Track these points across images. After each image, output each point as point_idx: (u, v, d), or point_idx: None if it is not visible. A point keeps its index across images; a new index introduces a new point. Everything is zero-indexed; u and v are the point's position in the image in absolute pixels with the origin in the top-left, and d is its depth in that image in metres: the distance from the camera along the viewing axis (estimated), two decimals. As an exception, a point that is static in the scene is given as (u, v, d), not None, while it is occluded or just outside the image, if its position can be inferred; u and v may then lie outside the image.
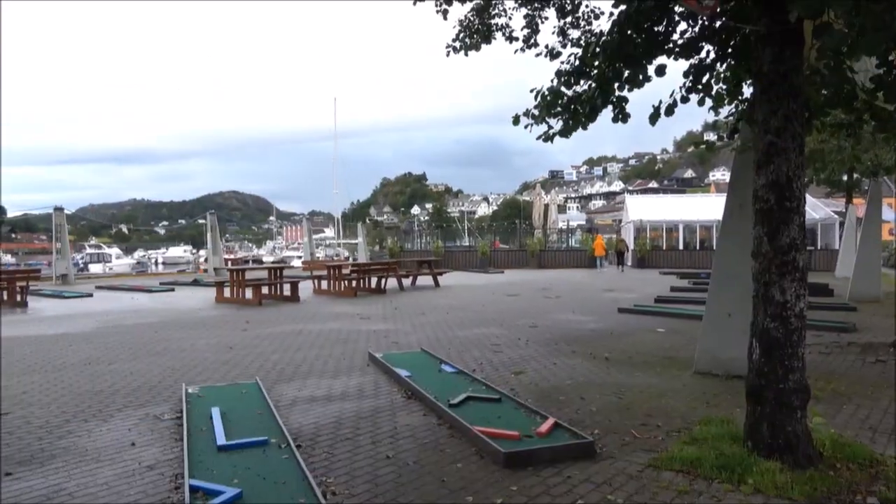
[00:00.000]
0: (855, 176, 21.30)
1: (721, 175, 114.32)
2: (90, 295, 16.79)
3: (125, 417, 5.07)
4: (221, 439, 4.30)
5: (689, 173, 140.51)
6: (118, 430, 4.72)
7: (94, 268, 47.20)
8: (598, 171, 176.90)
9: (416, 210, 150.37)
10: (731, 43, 4.92)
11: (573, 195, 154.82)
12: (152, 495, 3.52)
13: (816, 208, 29.31)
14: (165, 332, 9.73)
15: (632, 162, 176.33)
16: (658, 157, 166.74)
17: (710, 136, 7.83)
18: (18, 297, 14.29)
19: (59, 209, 22.34)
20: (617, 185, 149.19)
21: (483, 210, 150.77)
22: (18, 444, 4.44)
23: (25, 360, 7.51)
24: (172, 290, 18.29)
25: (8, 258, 64.67)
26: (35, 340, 9.04)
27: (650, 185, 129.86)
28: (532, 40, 7.28)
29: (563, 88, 5.41)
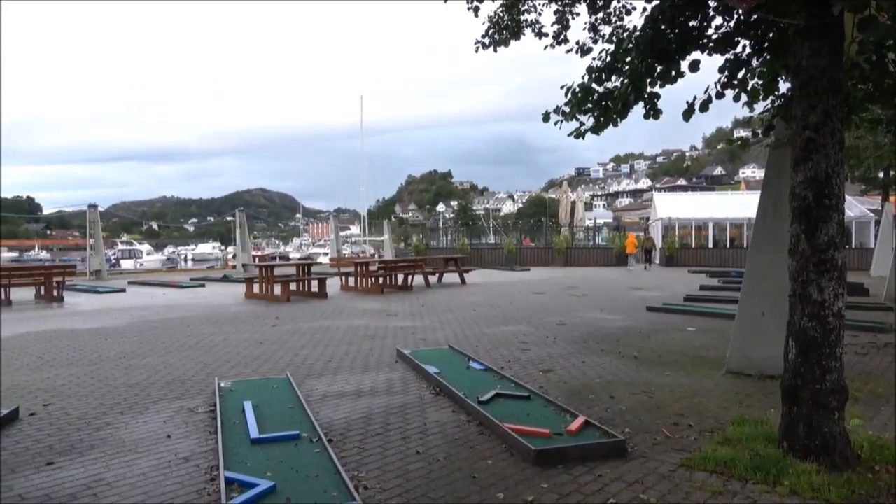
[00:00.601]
0: (892, 173, 20.77)
1: (751, 172, 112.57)
2: (123, 290, 17.14)
3: (160, 410, 5.17)
4: (254, 432, 4.36)
5: (718, 170, 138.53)
6: (154, 423, 4.82)
7: (126, 264, 48.36)
8: (625, 168, 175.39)
9: (441, 207, 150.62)
10: (768, 37, 4.84)
11: (600, 193, 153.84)
12: (188, 486, 3.59)
13: (851, 206, 28.61)
14: (197, 327, 9.90)
15: (659, 159, 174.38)
16: (686, 154, 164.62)
17: (741, 133, 7.71)
18: (55, 292, 14.65)
19: (93, 206, 22.75)
20: (644, 183, 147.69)
21: (508, 208, 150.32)
22: (59, 434, 4.56)
23: (63, 354, 7.70)
24: (202, 286, 18.58)
25: (43, 254, 66.45)
26: (71, 334, 9.27)
27: (678, 183, 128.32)
28: (562, 36, 7.24)
29: (594, 85, 5.38)
